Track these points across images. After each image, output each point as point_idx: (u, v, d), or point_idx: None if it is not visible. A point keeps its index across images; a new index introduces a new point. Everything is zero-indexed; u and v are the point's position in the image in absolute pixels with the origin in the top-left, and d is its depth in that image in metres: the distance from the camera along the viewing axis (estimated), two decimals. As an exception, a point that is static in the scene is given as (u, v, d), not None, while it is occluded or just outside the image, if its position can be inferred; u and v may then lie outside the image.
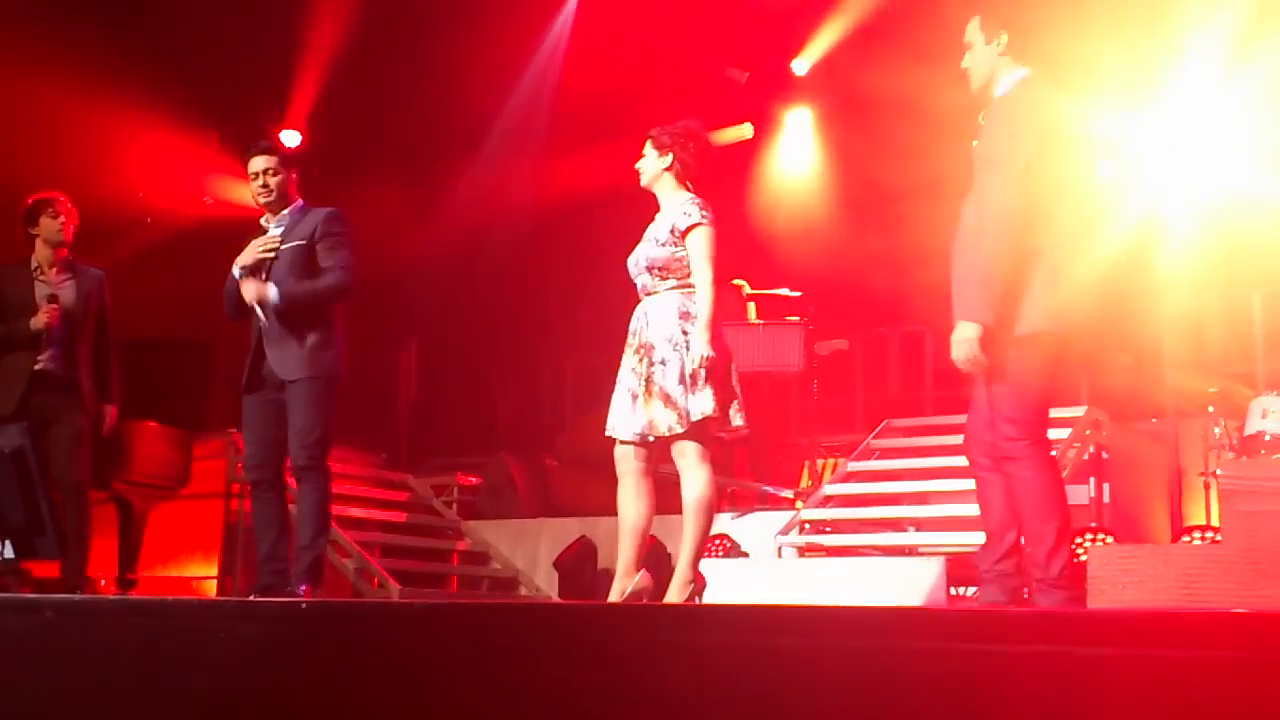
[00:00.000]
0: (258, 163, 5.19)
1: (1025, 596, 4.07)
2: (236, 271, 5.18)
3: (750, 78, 10.19)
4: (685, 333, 4.41)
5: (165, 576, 8.00)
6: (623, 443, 4.52)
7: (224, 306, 5.29)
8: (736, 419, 4.46)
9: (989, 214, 3.86)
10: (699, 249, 4.47)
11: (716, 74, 9.89)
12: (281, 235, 5.18)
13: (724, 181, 7.89)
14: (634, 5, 8.88)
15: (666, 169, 4.60)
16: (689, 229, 4.47)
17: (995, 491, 4.05)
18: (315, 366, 5.15)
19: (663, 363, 4.41)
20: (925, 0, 8.02)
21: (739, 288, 8.34)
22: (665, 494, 4.62)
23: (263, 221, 5.28)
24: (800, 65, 10.14)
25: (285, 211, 5.23)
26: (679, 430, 4.37)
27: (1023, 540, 4.02)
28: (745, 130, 10.36)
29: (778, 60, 10.14)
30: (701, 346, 4.36)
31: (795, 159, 10.40)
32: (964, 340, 3.86)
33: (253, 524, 5.37)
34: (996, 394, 3.92)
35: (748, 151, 10.31)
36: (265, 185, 5.18)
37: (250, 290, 5.07)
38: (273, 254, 5.12)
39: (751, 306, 8.42)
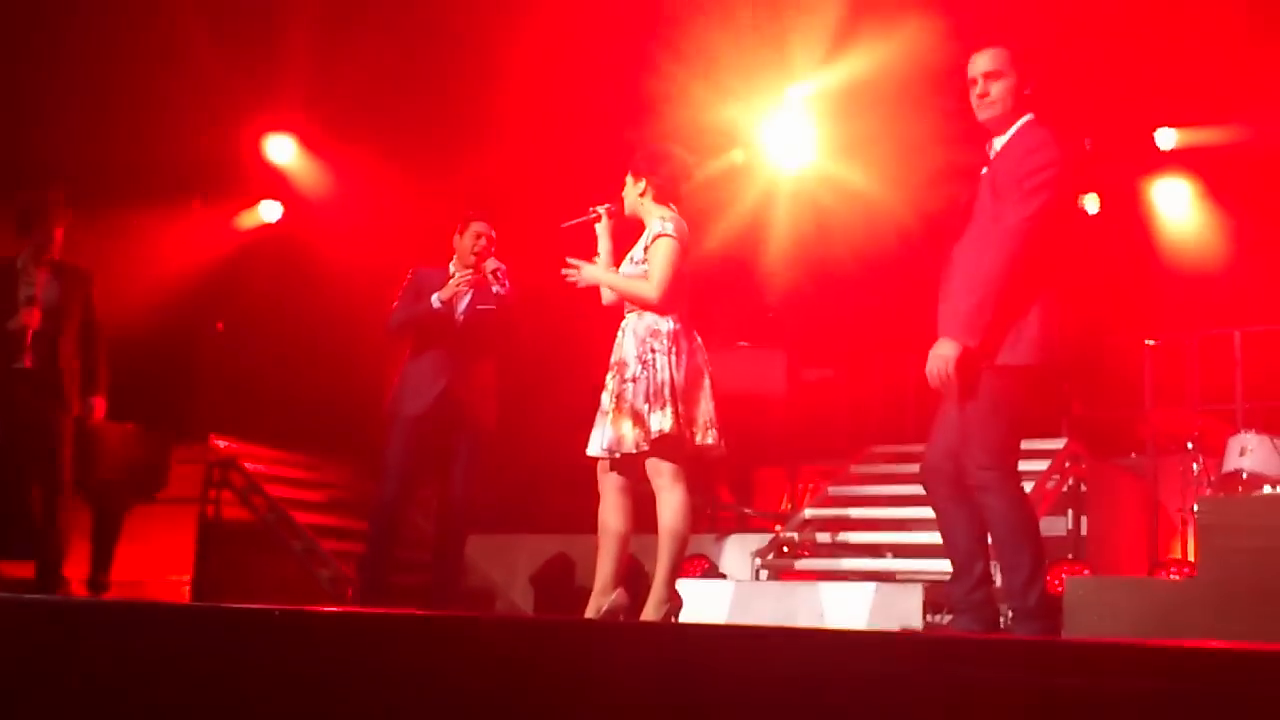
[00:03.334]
0: (482, 226, 5.78)
1: (1001, 626, 4.07)
2: (436, 303, 5.67)
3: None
4: (654, 350, 4.43)
5: (139, 580, 7.94)
6: (601, 459, 4.53)
7: (393, 322, 5.80)
8: (707, 438, 4.45)
9: (1001, 239, 3.87)
10: (656, 260, 4.52)
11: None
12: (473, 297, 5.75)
13: (710, 203, 7.91)
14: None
15: (641, 194, 4.67)
16: (654, 239, 4.54)
17: (959, 522, 4.03)
18: (493, 418, 5.83)
19: (633, 380, 4.43)
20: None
21: (732, 309, 8.43)
22: (644, 513, 4.62)
23: (454, 267, 5.79)
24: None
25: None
26: (645, 447, 4.38)
27: (994, 569, 4.02)
28: (735, 156, 10.35)
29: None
30: (586, 271, 4.65)
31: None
32: (941, 357, 3.87)
33: (383, 531, 5.80)
34: (973, 421, 3.92)
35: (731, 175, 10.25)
36: (482, 248, 5.74)
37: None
38: (468, 285, 5.66)
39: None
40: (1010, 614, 3.91)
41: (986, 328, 3.84)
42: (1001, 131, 4.09)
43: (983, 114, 4.11)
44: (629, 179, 4.72)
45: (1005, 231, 3.87)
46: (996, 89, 4.08)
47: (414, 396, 5.71)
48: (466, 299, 5.74)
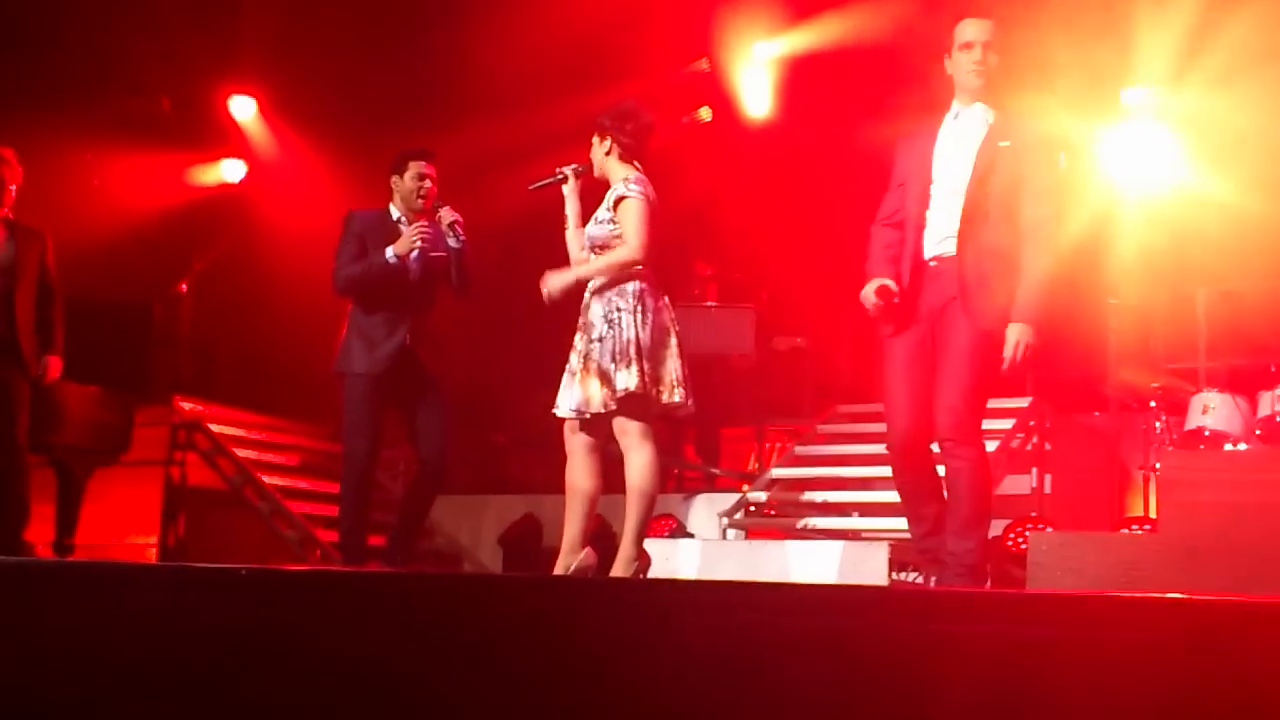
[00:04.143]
0: (424, 167, 5.61)
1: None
2: (391, 257, 5.51)
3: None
4: (620, 309, 4.43)
5: (104, 543, 7.90)
6: (569, 419, 4.54)
7: (343, 281, 5.59)
8: (673, 396, 4.46)
9: (1047, 234, 4.03)
10: (629, 220, 4.50)
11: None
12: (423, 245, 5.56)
13: (683, 163, 7.88)
14: None
15: (607, 154, 4.66)
16: (618, 201, 4.53)
17: (942, 486, 4.12)
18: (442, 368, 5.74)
19: (600, 340, 4.44)
20: None
21: (701, 268, 8.40)
22: (611, 473, 4.63)
23: (395, 209, 5.68)
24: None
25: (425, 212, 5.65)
26: (612, 406, 4.39)
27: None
28: (703, 113, 10.30)
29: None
30: (553, 281, 4.55)
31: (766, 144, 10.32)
32: (1027, 344, 3.98)
33: (358, 491, 5.69)
34: (960, 384, 3.99)
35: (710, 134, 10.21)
36: (428, 190, 5.60)
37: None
38: (424, 240, 5.50)
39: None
40: (951, 567, 4.00)
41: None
42: (986, 103, 4.13)
43: (975, 81, 4.14)
44: (595, 140, 4.71)
45: (1050, 228, 4.04)
46: (994, 60, 4.12)
47: (369, 351, 5.54)
48: (417, 249, 5.60)
